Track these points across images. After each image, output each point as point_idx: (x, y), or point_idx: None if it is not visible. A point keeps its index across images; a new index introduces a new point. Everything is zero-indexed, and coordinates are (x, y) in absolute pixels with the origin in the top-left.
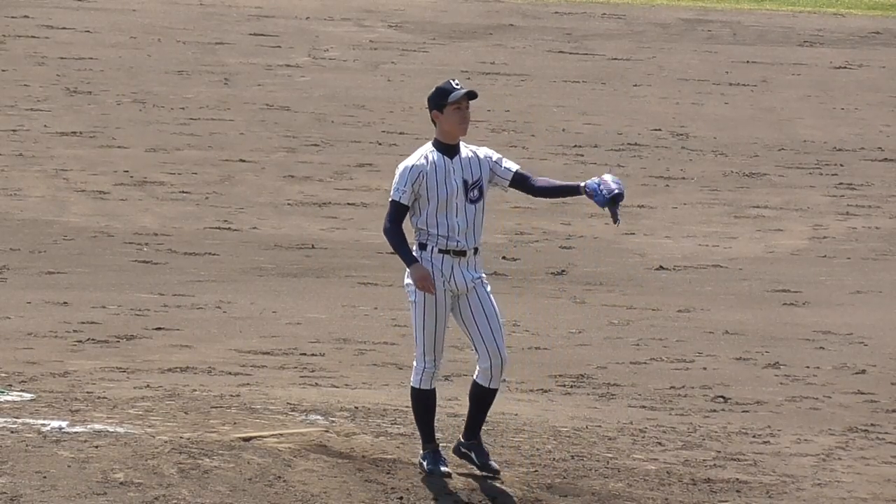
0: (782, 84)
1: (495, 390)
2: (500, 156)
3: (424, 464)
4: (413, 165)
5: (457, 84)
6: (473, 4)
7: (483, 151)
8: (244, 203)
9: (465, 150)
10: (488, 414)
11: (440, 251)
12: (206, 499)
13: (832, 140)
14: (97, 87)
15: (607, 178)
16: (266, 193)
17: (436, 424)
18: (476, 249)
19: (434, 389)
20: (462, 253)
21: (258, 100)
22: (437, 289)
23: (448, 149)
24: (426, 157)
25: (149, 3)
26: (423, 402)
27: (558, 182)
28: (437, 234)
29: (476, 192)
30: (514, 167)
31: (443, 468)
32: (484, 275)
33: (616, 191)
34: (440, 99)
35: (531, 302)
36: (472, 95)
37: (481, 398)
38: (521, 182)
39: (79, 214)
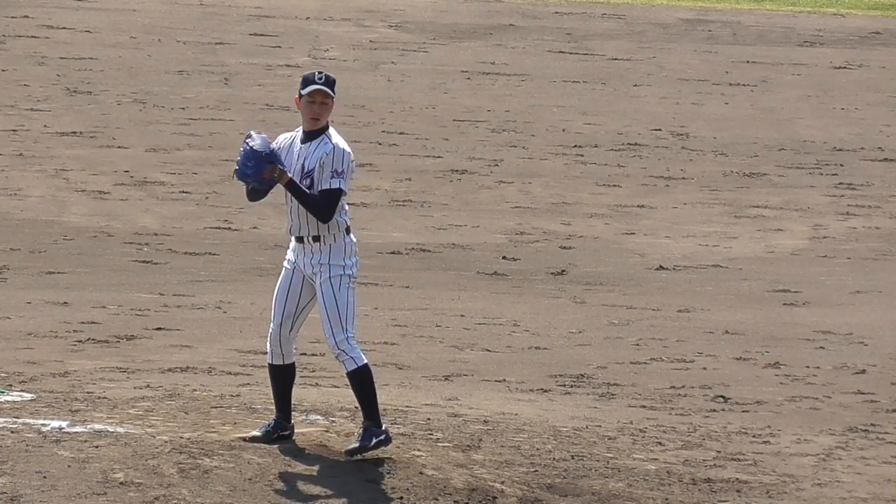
0: (782, 84)
1: (350, 372)
2: (339, 169)
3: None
4: (278, 139)
5: (319, 77)
6: (473, 4)
7: (331, 151)
8: (244, 203)
9: (326, 140)
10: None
11: (289, 233)
12: (206, 499)
13: (832, 140)
14: (97, 87)
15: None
16: None
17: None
18: (316, 237)
19: (276, 366)
20: (300, 239)
21: (258, 100)
22: (288, 266)
23: (307, 133)
24: (291, 135)
25: (149, 3)
26: (271, 376)
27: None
28: (287, 216)
29: (308, 181)
30: (323, 187)
31: (256, 432)
32: (335, 263)
33: (247, 172)
34: (301, 86)
35: (531, 302)
36: (324, 93)
37: (350, 381)
38: None
39: (79, 214)
